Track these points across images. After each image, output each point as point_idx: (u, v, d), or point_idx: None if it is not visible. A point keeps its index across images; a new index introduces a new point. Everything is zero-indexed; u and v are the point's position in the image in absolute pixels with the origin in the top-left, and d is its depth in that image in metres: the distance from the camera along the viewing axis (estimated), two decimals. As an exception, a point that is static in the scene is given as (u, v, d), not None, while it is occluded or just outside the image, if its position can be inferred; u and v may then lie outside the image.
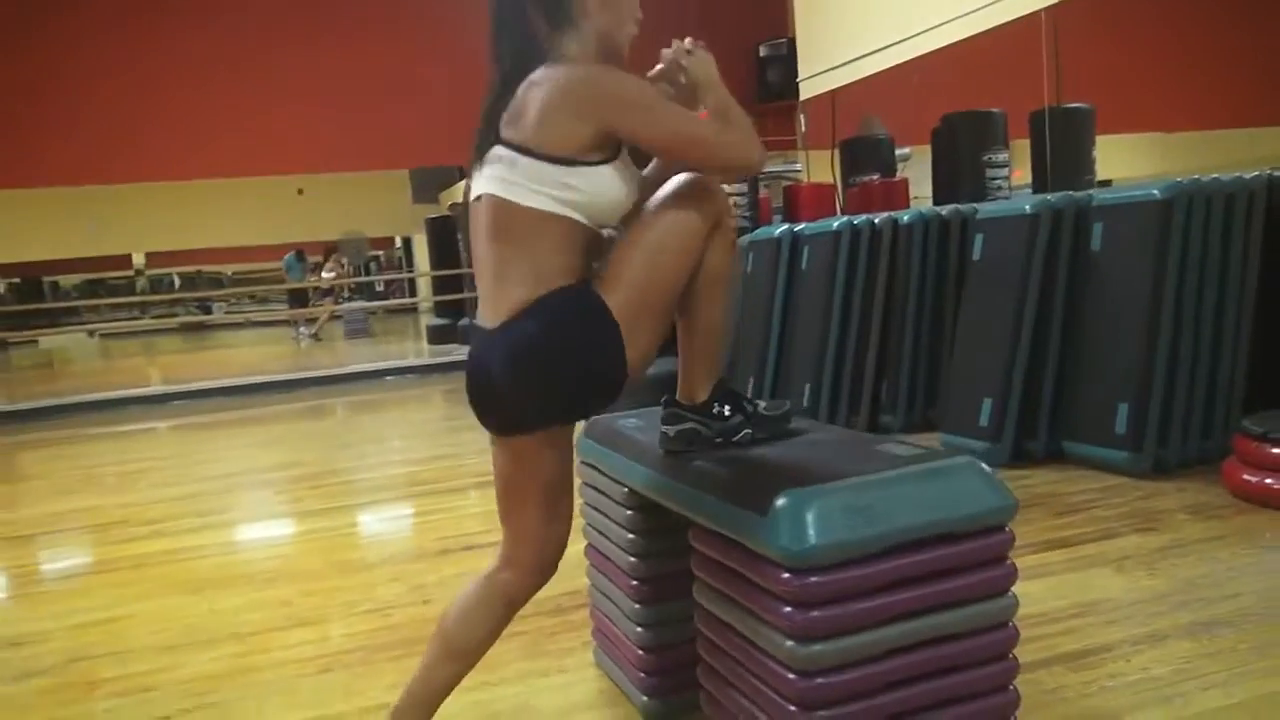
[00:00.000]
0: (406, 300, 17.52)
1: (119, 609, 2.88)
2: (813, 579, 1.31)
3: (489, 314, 1.54)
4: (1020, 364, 3.64)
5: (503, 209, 1.52)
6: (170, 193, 11.26)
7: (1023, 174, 7.34)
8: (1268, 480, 2.91)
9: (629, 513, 1.89)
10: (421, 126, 8.60)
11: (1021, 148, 6.77)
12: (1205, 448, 3.42)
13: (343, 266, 16.06)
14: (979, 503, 1.40)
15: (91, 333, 15.31)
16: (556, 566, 1.67)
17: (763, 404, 1.74)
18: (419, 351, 12.37)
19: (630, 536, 1.89)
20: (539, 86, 1.51)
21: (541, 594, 2.55)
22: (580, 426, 1.91)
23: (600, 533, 2.06)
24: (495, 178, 1.53)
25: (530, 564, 1.65)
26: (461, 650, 1.65)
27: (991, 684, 1.43)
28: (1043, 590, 2.38)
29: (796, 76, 6.86)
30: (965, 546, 1.38)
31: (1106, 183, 10.70)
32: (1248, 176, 3.47)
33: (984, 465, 1.46)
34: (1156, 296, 3.36)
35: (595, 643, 2.18)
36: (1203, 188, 3.38)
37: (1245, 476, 2.98)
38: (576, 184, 1.50)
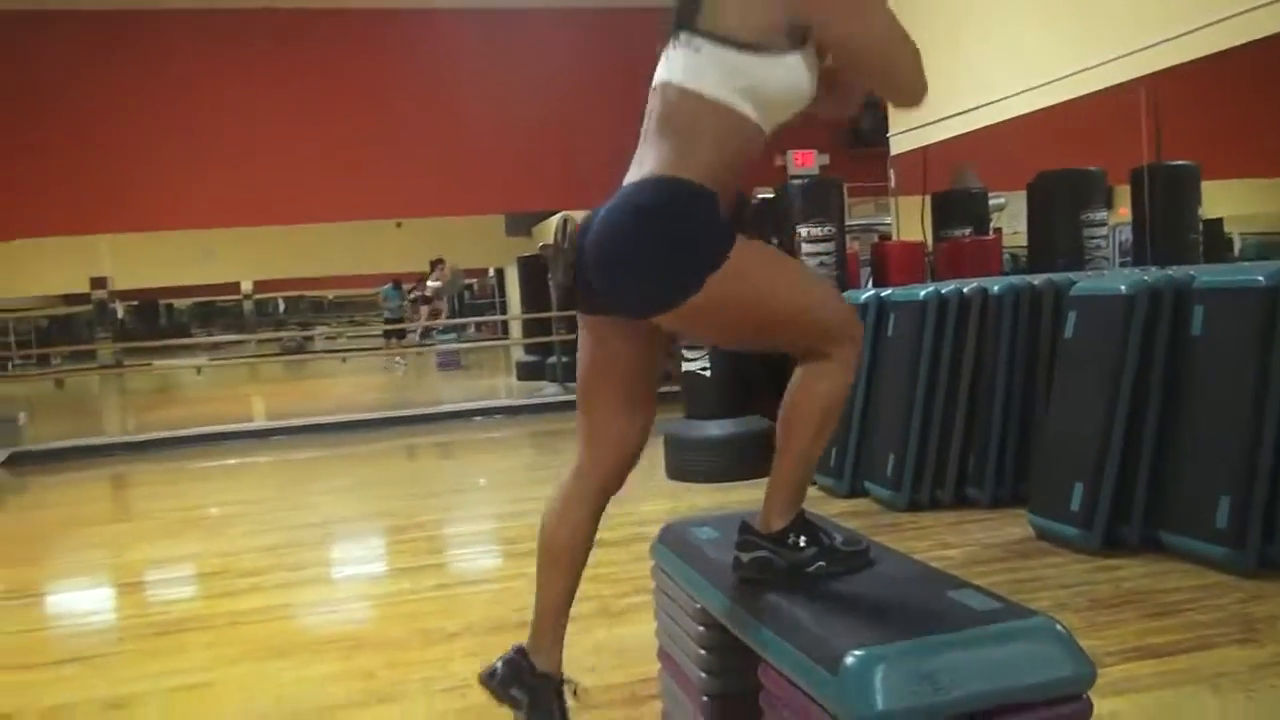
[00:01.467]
0: (497, 342, 17.94)
1: (213, 672, 3.00)
2: (878, 745, 1.30)
3: (629, 176, 1.59)
4: (1114, 448, 3.53)
5: (674, 94, 1.56)
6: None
7: (1127, 212, 7.11)
8: (1381, 591, 2.76)
9: (701, 629, 1.90)
10: (514, 173, 8.79)
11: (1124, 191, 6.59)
12: (1314, 544, 3.26)
13: (444, 276, 16.54)
14: (1054, 670, 1.37)
15: (199, 369, 16.12)
16: (637, 460, 1.74)
17: (839, 537, 1.74)
18: (508, 388, 12.60)
19: (701, 653, 1.90)
20: None
21: (613, 680, 2.60)
22: (655, 533, 1.96)
23: (673, 640, 2.07)
24: (675, 62, 1.56)
25: (610, 458, 1.72)
26: (561, 552, 1.76)
27: None
28: (1129, 709, 2.29)
29: (888, 122, 6.80)
30: (1037, 715, 1.35)
31: (1217, 221, 10.26)
32: (1362, 262, 3.31)
33: (1060, 626, 1.43)
34: (1261, 383, 3.22)
35: (667, 747, 2.19)
36: (1312, 274, 3.24)
37: (1356, 585, 2.83)
38: (754, 71, 1.50)
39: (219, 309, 28.05)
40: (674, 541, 2.05)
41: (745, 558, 1.73)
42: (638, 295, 1.59)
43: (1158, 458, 3.51)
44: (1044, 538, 3.73)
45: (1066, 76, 4.80)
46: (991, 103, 5.37)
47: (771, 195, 5.84)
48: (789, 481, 1.71)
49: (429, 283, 16.30)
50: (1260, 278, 3.24)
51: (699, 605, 1.89)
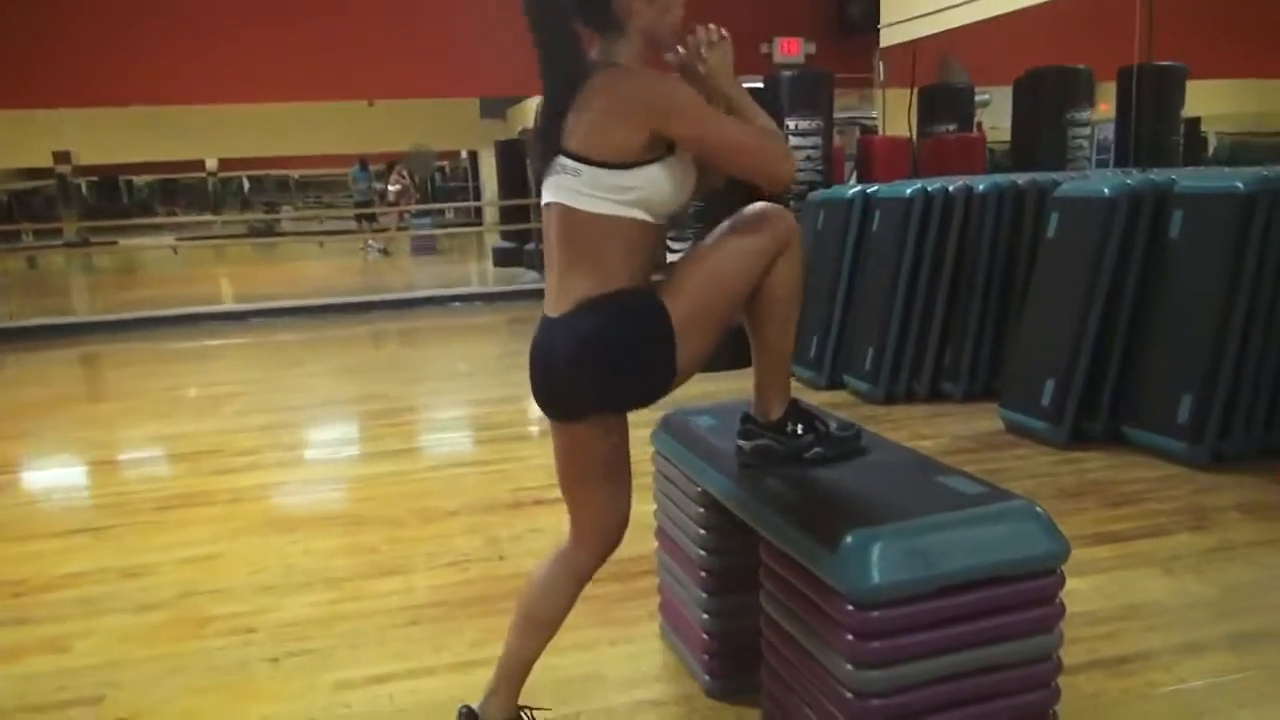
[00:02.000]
0: (471, 228, 17.71)
1: (221, 544, 3.13)
2: (874, 614, 1.44)
3: (554, 305, 1.67)
4: (1086, 346, 3.68)
5: (569, 216, 1.64)
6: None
7: (1109, 107, 7.14)
8: (1325, 484, 2.95)
9: (701, 510, 2.03)
10: (491, 55, 8.59)
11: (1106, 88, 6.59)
12: (1267, 441, 3.45)
13: (404, 179, 16.26)
14: (1032, 547, 1.51)
15: (174, 249, 15.82)
16: (621, 538, 1.82)
17: (834, 424, 1.86)
18: (484, 274, 12.59)
19: (701, 532, 2.04)
20: (596, 96, 1.59)
21: (611, 558, 2.74)
22: (654, 419, 2.06)
23: (671, 521, 2.21)
24: (561, 187, 1.64)
25: (595, 540, 1.80)
26: (544, 623, 1.82)
27: (1033, 711, 1.56)
28: (1089, 589, 2.49)
29: (878, 10, 6.72)
30: (1016, 588, 1.50)
31: (1194, 120, 10.32)
32: (1335, 172, 3.41)
33: (1039, 508, 1.56)
34: (1232, 289, 3.36)
35: (662, 618, 2.35)
36: (1289, 183, 3.34)
37: (1303, 479, 3.03)
38: (634, 184, 1.59)
39: (182, 186, 27.50)
40: (676, 429, 2.16)
41: (748, 446, 1.85)
42: (632, 404, 1.69)
43: (1127, 357, 3.67)
44: (1014, 431, 3.90)
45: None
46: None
47: (760, 84, 5.81)
48: (775, 372, 1.81)
49: (389, 187, 15.93)
50: (1239, 184, 3.34)
51: (700, 489, 2.01)
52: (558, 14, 1.62)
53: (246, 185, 29.43)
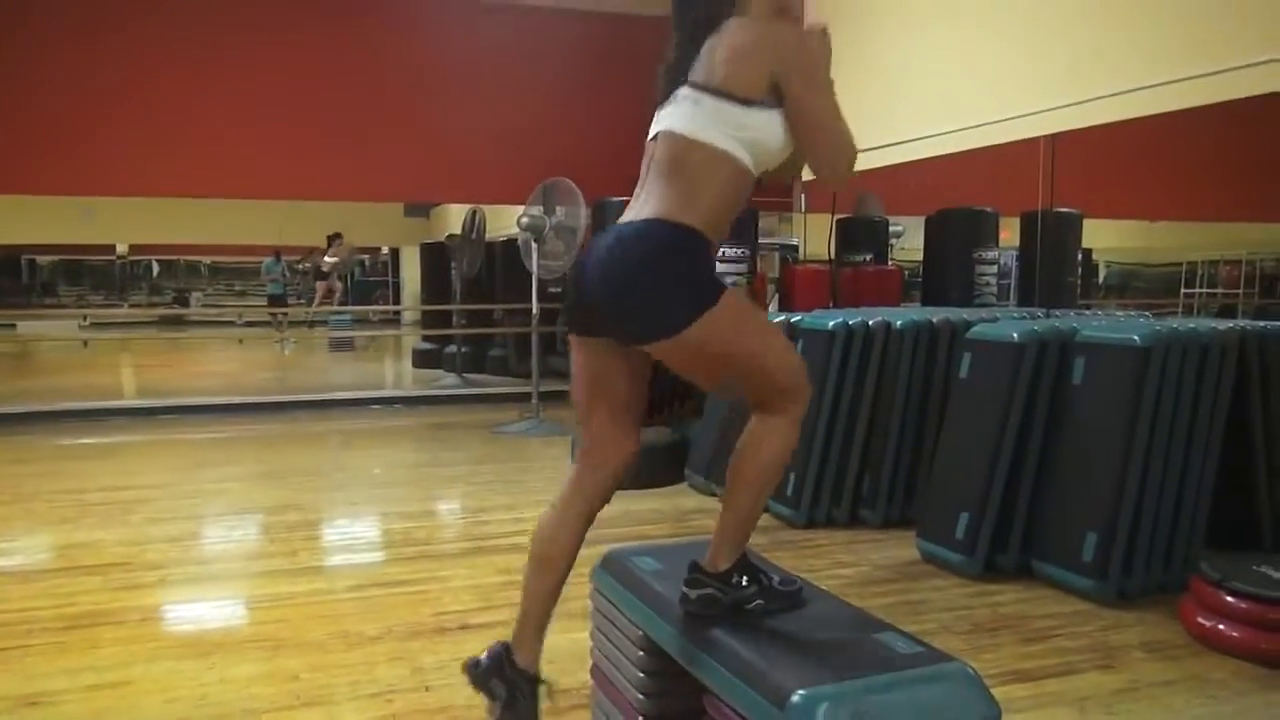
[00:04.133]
0: (394, 332, 17.65)
1: (131, 670, 3.00)
2: (819, 774, 1.49)
3: (631, 214, 1.73)
4: (998, 483, 3.85)
5: (680, 144, 1.72)
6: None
7: (1010, 235, 7.61)
8: (1220, 626, 3.12)
9: (642, 654, 2.05)
10: (415, 162, 8.75)
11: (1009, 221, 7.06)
12: (1166, 579, 3.63)
13: (343, 254, 16.22)
14: (968, 710, 1.58)
15: (82, 321, 15.31)
16: (624, 476, 1.91)
17: (777, 578, 1.93)
18: (403, 374, 12.50)
19: (640, 675, 2.06)
20: (730, 35, 1.72)
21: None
22: (596, 555, 2.12)
23: (610, 661, 2.23)
24: (678, 114, 1.73)
25: (606, 472, 1.90)
26: (554, 559, 1.93)
27: None
28: (1008, 730, 2.57)
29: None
30: (953, 751, 1.57)
31: (1087, 252, 11.10)
32: (1221, 329, 3.70)
33: (971, 669, 1.64)
34: (1129, 433, 3.57)
35: (595, 760, 2.34)
36: (1180, 337, 3.60)
37: (1200, 619, 3.19)
38: (752, 123, 1.68)
39: (88, 268, 26.74)
40: (617, 571, 2.20)
41: (693, 594, 1.90)
42: (640, 323, 1.74)
43: (1036, 494, 3.85)
44: (930, 561, 4.03)
45: (977, 126, 5.14)
46: (904, 142, 5.69)
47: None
48: (737, 529, 1.88)
49: (326, 258, 15.94)
50: (1136, 338, 3.59)
51: (641, 632, 2.05)
52: None
53: (156, 269, 28.79)
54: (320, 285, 16.03)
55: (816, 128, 1.74)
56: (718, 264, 5.45)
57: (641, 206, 1.74)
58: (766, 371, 1.78)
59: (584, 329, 1.83)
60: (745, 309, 1.83)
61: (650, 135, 1.80)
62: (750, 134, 1.69)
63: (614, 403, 1.87)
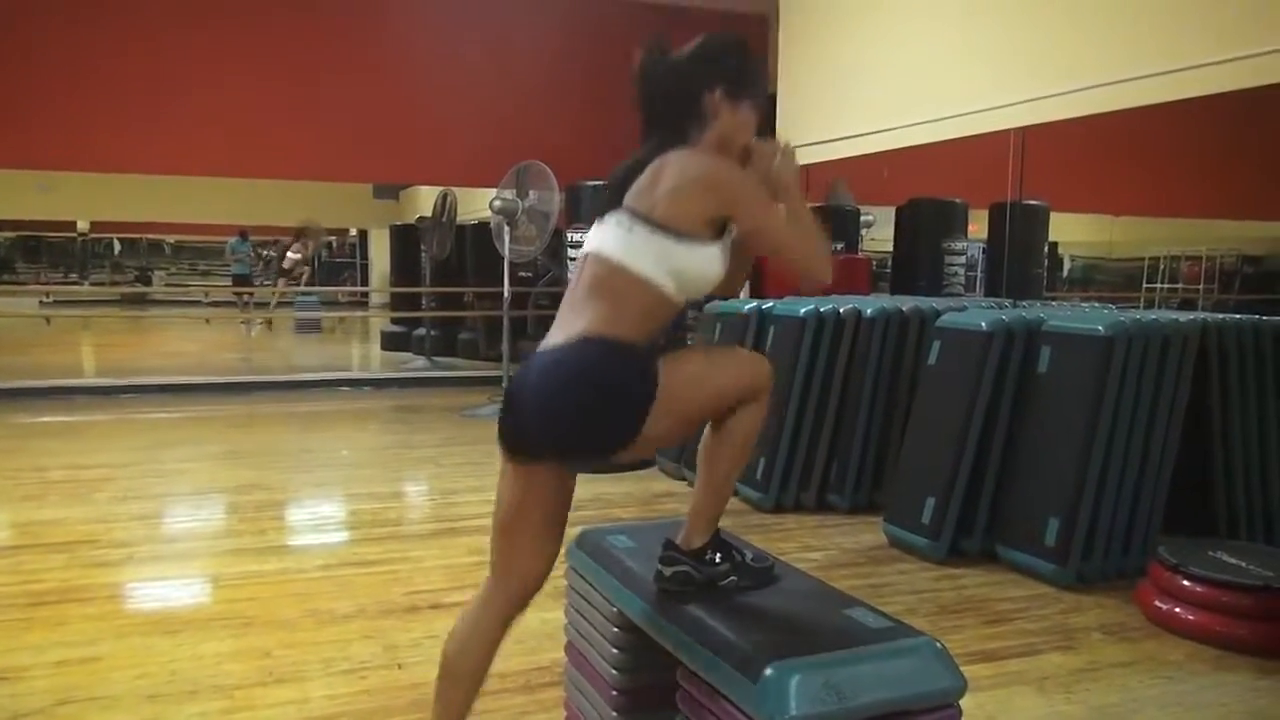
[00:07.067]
0: (362, 313, 17.51)
1: (99, 646, 2.99)
2: (790, 744, 1.53)
3: (557, 336, 1.74)
4: (964, 469, 3.92)
5: (606, 267, 1.73)
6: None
7: (978, 229, 7.72)
8: (1176, 609, 3.21)
9: (616, 630, 2.08)
10: (385, 142, 8.65)
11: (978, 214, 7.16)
12: (1125, 564, 3.72)
13: (305, 250, 16.04)
14: (934, 681, 1.63)
15: (44, 299, 15.04)
16: (540, 587, 1.88)
17: (750, 555, 1.96)
18: (370, 356, 12.42)
19: (615, 651, 2.09)
20: (672, 166, 1.73)
21: (510, 667, 2.75)
22: (570, 536, 2.13)
23: (584, 638, 2.25)
24: (610, 238, 1.75)
25: (518, 592, 1.87)
26: (468, 674, 1.88)
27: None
28: (972, 707, 2.60)
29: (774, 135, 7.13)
30: (919, 720, 1.61)
31: (1053, 245, 11.31)
32: (1183, 320, 3.79)
33: (939, 644, 1.69)
34: (1092, 422, 3.65)
35: (568, 735, 2.37)
36: (1143, 328, 3.68)
37: (1157, 603, 3.28)
38: (682, 256, 1.71)
39: (47, 245, 26.27)
40: (592, 549, 2.23)
41: (667, 571, 1.93)
42: (586, 449, 1.76)
43: (1001, 480, 3.92)
44: (896, 545, 4.09)
45: (948, 118, 5.20)
46: (876, 132, 5.74)
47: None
48: (711, 506, 1.91)
49: (290, 254, 15.73)
50: (1100, 328, 3.67)
51: (616, 609, 2.08)
52: (694, 86, 1.80)
53: (118, 247, 28.33)
54: (281, 282, 15.83)
55: (779, 248, 1.80)
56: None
57: (564, 329, 1.74)
58: (737, 392, 1.82)
59: (522, 457, 1.78)
60: (686, 375, 1.77)
61: (581, 251, 1.83)
62: (679, 264, 1.71)
63: (539, 526, 1.82)
